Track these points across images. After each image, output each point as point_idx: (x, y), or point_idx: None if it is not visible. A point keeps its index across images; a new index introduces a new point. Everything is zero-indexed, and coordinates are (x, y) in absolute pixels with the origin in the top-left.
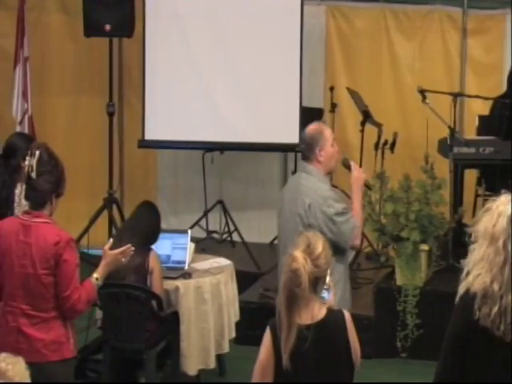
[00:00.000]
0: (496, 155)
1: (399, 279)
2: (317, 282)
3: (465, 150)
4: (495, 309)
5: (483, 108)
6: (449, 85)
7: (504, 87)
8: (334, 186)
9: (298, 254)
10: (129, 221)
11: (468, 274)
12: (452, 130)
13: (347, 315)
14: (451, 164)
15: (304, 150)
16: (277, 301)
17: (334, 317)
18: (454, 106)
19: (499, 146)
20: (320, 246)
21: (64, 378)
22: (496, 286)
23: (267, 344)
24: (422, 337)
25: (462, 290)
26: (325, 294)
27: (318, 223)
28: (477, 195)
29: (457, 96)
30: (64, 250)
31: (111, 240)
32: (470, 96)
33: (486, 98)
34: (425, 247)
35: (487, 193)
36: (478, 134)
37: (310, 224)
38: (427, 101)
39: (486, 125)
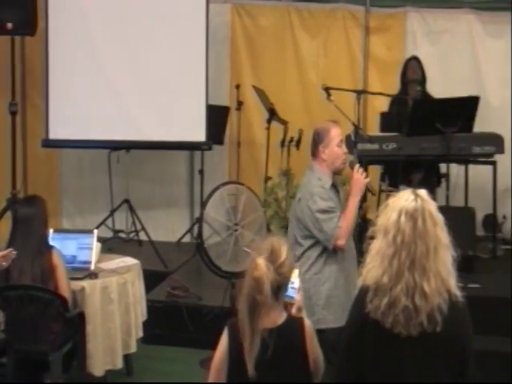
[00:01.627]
0: (398, 151)
1: None
2: (279, 290)
3: (368, 146)
4: (385, 301)
5: (385, 105)
6: (352, 82)
7: None
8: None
9: (261, 262)
10: (17, 228)
11: (364, 267)
12: (356, 127)
13: (307, 324)
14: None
15: (311, 146)
16: (239, 306)
17: (291, 324)
18: (358, 103)
19: (401, 142)
20: (284, 252)
21: None
22: (386, 278)
23: (223, 345)
24: None
25: (359, 284)
26: (290, 293)
27: (304, 217)
28: (380, 191)
29: (360, 93)
30: None
31: None
32: (373, 93)
33: (389, 95)
34: None
35: (390, 188)
36: (381, 130)
37: (298, 217)
38: (331, 98)
39: (387, 121)
